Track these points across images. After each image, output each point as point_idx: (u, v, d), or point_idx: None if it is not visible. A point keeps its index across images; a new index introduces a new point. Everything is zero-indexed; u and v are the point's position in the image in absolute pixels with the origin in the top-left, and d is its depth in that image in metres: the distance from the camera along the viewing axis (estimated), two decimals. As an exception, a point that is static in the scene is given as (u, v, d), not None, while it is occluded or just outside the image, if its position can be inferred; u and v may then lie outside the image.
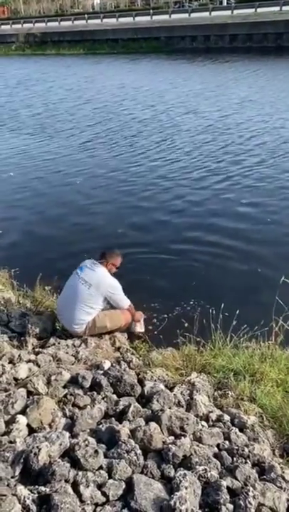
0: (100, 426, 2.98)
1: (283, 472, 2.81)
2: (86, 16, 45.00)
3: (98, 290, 4.09)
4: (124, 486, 2.48)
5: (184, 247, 6.58)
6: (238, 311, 4.24)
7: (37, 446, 2.54)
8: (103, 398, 3.29)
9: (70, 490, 2.33)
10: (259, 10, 34.59)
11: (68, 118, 15.71)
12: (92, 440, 2.73)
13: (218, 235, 6.90)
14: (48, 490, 2.31)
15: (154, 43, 36.49)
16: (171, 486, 2.52)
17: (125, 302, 4.30)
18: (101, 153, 11.56)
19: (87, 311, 4.14)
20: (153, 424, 2.94)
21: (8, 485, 2.34)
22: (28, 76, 27.02)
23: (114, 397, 3.34)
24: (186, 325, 4.49)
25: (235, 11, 35.46)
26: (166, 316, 4.94)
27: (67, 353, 3.95)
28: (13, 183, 9.79)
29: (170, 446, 2.77)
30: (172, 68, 26.88)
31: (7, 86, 23.76)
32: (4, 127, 14.89)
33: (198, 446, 2.88)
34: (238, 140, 11.86)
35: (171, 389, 3.57)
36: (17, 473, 2.48)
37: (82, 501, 2.31)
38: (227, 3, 41.23)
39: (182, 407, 3.37)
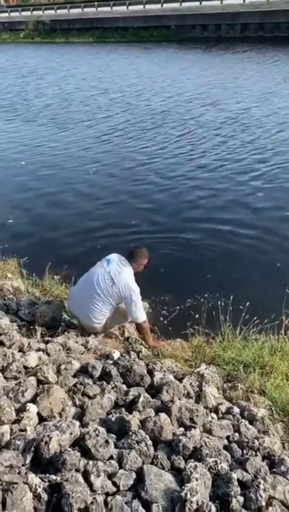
0: (110, 416, 2.97)
1: (293, 466, 2.79)
2: (96, 3, 44.47)
3: (118, 288, 3.86)
4: (134, 477, 2.47)
5: (198, 240, 6.56)
6: (248, 304, 4.21)
7: (48, 435, 2.53)
8: (113, 388, 3.28)
9: (80, 479, 2.33)
10: (271, -2, 34.02)
11: (83, 109, 15.44)
12: (102, 430, 2.73)
13: (232, 228, 6.88)
14: (58, 479, 2.31)
15: (164, 32, 36.08)
16: (181, 477, 2.52)
17: (141, 316, 4.00)
18: (117, 145, 11.36)
19: (107, 307, 3.96)
20: (163, 415, 2.93)
21: (19, 473, 2.34)
22: (40, 64, 26.58)
23: (124, 387, 3.32)
24: (196, 316, 4.48)
25: (247, 0, 34.91)
26: (175, 307, 4.93)
27: (76, 342, 3.94)
28: (25, 172, 9.75)
29: (180, 437, 2.76)
30: (186, 58, 26.37)
31: (20, 75, 23.31)
32: (18, 118, 14.67)
33: (208, 438, 2.87)
34: (262, 134, 11.60)
35: (180, 380, 3.56)
36: (28, 461, 2.48)
37: (93, 490, 2.31)
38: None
39: (191, 398, 3.37)
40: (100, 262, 4.06)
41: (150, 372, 3.55)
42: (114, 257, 4.04)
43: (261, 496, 2.43)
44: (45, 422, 2.79)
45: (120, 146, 11.19)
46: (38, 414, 2.88)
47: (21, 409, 2.87)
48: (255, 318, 4.13)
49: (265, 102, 14.95)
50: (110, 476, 2.44)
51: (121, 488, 2.40)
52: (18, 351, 3.58)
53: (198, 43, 32.32)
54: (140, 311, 3.99)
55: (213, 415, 3.24)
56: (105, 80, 20.55)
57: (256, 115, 13.35)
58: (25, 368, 3.35)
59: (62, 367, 3.39)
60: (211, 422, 3.08)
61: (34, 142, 11.90)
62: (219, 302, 4.29)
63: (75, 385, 3.26)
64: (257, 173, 9.02)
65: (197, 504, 2.30)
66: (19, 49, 36.54)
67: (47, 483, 2.30)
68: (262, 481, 2.52)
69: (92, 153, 10.87)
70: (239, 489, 2.48)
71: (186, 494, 2.30)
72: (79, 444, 2.63)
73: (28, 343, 3.70)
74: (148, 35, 36.27)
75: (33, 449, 2.50)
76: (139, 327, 4.13)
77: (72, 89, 19.11)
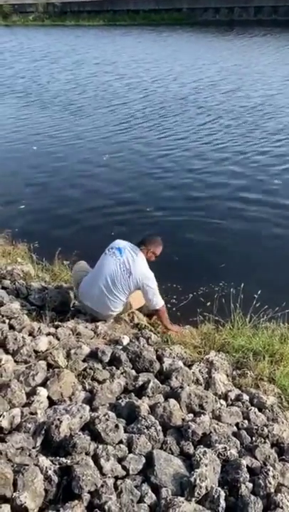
0: (120, 401, 2.98)
1: (303, 454, 2.79)
2: (107, -15, 43.79)
3: (135, 279, 3.83)
4: (144, 461, 2.49)
5: (210, 228, 6.52)
6: (259, 292, 4.19)
7: (58, 419, 2.55)
8: (122, 373, 3.29)
9: (91, 462, 2.34)
10: (286, -20, 33.21)
11: (99, 94, 15.00)
12: (112, 414, 2.73)
13: (246, 217, 6.83)
14: (69, 462, 2.33)
15: (175, 15, 35.50)
16: (190, 462, 2.53)
17: (160, 302, 3.98)
18: (133, 134, 11.02)
19: (125, 295, 3.93)
20: (172, 401, 2.94)
21: (29, 455, 2.37)
22: (52, 48, 25.82)
23: (133, 372, 3.34)
24: (205, 304, 4.46)
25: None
26: (185, 294, 4.90)
27: (86, 327, 3.95)
28: (36, 157, 9.65)
29: (190, 423, 2.77)
30: (203, 43, 25.55)
31: (33, 59, 22.54)
32: (31, 103, 14.24)
33: (217, 424, 2.88)
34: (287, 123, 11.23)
35: (189, 366, 3.56)
36: (38, 444, 2.50)
37: (103, 474, 2.33)
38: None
39: (201, 385, 3.37)
40: (110, 251, 3.93)
41: (159, 358, 3.56)
42: (123, 244, 3.96)
43: (270, 483, 2.43)
44: (56, 406, 2.80)
45: (136, 136, 10.86)
46: (49, 397, 2.89)
47: (32, 393, 2.89)
48: (266, 306, 4.11)
49: (288, 89, 14.50)
50: (120, 460, 2.46)
51: (130, 472, 2.42)
52: (29, 335, 3.59)
53: (210, 26, 31.65)
54: (158, 298, 3.98)
55: (223, 402, 3.24)
56: (120, 65, 19.95)
57: (279, 103, 12.94)
58: (36, 352, 3.37)
59: (72, 351, 3.40)
60: (220, 408, 3.09)
61: (47, 128, 11.68)
62: (230, 290, 4.27)
63: (84, 370, 3.27)
64: (278, 163, 8.84)
65: (206, 489, 2.31)
66: (30, 32, 35.87)
67: (57, 466, 2.32)
68: (271, 468, 2.52)
69: (109, 139, 10.61)
70: (248, 475, 2.48)
71: (195, 479, 2.31)
72: (89, 428, 2.64)
73: (39, 328, 3.71)
74: (159, 18, 35.70)
75: (43, 432, 2.52)
76: (157, 313, 4.13)
77: (86, 74, 18.52)
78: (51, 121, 12.28)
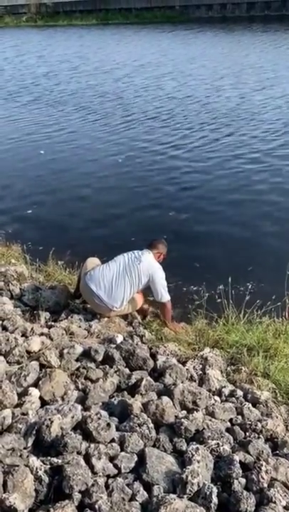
0: (112, 399, 2.97)
1: (296, 448, 2.78)
2: (99, -16, 43.69)
3: (145, 267, 4.00)
4: (136, 459, 2.48)
5: (200, 226, 6.50)
6: (250, 286, 4.19)
7: (49, 419, 2.54)
8: (115, 372, 3.28)
9: (82, 462, 2.33)
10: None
11: (107, 98, 14.17)
12: (104, 413, 2.73)
13: (233, 212, 6.80)
14: (60, 461, 2.32)
15: (168, 13, 35.47)
16: (183, 459, 2.51)
17: (166, 295, 4.10)
18: (147, 136, 10.44)
19: (133, 289, 4.01)
20: (165, 398, 2.93)
21: (20, 456, 2.36)
22: (63, 51, 24.45)
23: (127, 370, 3.33)
24: (198, 300, 4.44)
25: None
26: (179, 291, 4.87)
27: (80, 326, 3.94)
28: (42, 160, 9.41)
29: (182, 420, 2.75)
30: (205, 40, 24.90)
31: (49, 63, 21.28)
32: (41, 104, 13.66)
33: (210, 420, 2.87)
34: None
35: (183, 363, 3.55)
36: (29, 444, 2.49)
37: (94, 473, 2.32)
38: None
39: (195, 381, 3.36)
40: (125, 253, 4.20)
41: (153, 356, 3.55)
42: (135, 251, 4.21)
43: (263, 478, 2.42)
44: (47, 406, 2.80)
45: (148, 139, 10.29)
46: (41, 398, 2.89)
47: (23, 393, 2.89)
48: (258, 300, 4.11)
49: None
50: (112, 459, 2.45)
51: (122, 470, 2.41)
52: (21, 336, 3.58)
53: (205, 23, 31.43)
54: (166, 291, 4.09)
55: (217, 398, 3.24)
56: (136, 69, 18.76)
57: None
58: (28, 352, 3.36)
59: (65, 351, 3.39)
60: (213, 404, 3.08)
61: (56, 132, 11.26)
62: (221, 285, 4.27)
63: (77, 369, 3.27)
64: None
65: (198, 486, 2.30)
66: (28, 34, 34.77)
67: (48, 466, 2.31)
68: (264, 463, 2.51)
69: (120, 144, 10.15)
70: (241, 471, 2.47)
71: (186, 476, 2.30)
72: (81, 427, 2.63)
73: (31, 328, 3.70)
74: (151, 17, 35.65)
75: (34, 432, 2.51)
76: (162, 307, 4.19)
77: (112, 79, 17.13)
78: (61, 125, 11.76)
